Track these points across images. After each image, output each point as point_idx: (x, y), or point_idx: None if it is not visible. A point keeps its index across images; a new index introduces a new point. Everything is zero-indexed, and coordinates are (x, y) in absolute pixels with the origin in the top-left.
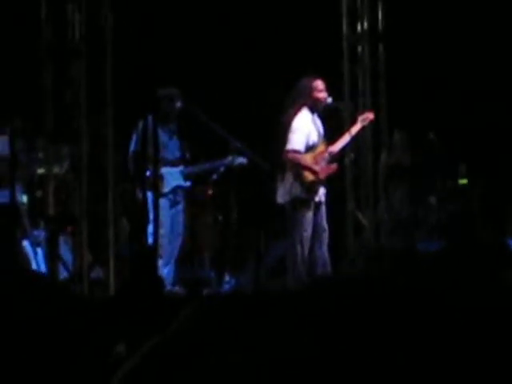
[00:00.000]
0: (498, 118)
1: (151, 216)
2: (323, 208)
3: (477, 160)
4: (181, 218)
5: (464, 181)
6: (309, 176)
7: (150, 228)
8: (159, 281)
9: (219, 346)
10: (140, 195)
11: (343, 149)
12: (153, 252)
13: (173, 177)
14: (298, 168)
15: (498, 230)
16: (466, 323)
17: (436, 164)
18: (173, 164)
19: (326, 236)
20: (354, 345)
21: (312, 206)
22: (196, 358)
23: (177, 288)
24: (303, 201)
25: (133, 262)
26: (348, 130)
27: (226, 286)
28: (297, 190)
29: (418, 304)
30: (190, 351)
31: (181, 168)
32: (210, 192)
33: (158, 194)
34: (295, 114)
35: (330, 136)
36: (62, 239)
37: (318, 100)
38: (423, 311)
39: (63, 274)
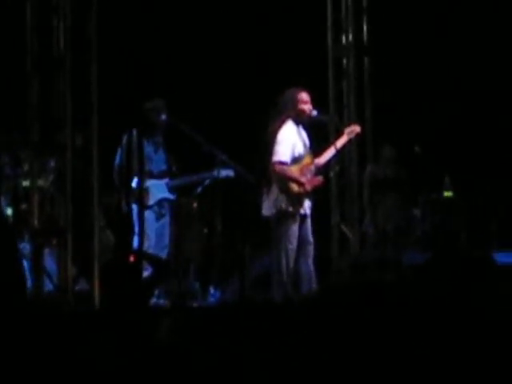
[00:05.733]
0: (482, 132)
1: (136, 228)
2: (308, 221)
3: (462, 172)
4: (166, 231)
5: (449, 193)
6: (295, 188)
7: (135, 240)
8: (144, 293)
9: (205, 356)
10: (125, 208)
11: (328, 161)
12: (138, 264)
13: (158, 189)
14: (285, 179)
15: (482, 242)
16: (450, 333)
17: (421, 176)
18: (158, 176)
19: (311, 249)
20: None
21: (297, 219)
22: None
23: (162, 300)
24: (289, 213)
25: (118, 275)
26: (334, 142)
27: (211, 299)
28: (282, 203)
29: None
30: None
31: (166, 180)
32: (196, 204)
33: (143, 207)
34: (280, 126)
35: (315, 148)
36: (46, 252)
37: (302, 112)
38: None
39: (48, 287)
